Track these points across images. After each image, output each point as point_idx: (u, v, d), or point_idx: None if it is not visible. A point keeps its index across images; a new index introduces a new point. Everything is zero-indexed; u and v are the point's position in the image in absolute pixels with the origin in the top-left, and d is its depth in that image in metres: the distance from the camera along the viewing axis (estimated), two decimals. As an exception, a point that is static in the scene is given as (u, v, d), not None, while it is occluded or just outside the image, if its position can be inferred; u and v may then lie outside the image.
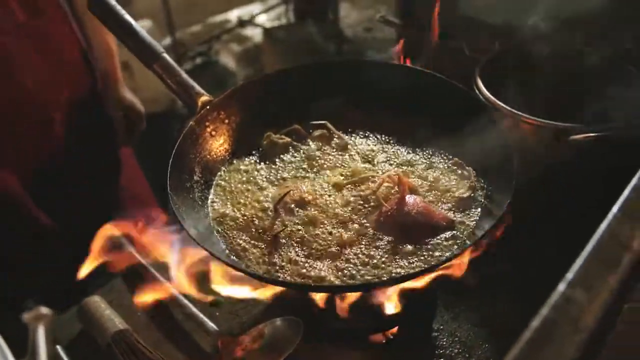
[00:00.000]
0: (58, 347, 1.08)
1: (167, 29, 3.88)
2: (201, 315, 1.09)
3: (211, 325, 1.07)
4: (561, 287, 0.50)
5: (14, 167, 1.47)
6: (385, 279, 0.86)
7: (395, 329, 1.07)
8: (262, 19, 4.69)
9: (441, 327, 1.08)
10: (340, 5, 4.25)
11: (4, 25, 1.38)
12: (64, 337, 1.13)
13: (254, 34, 4.43)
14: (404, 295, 1.00)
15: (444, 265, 0.86)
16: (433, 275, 0.92)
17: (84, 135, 1.59)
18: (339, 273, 0.88)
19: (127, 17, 1.09)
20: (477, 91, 1.20)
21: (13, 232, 1.51)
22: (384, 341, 1.06)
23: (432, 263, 0.87)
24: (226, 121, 1.13)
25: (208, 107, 1.09)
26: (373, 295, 0.99)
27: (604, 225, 0.56)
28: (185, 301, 1.12)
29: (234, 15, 4.70)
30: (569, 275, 0.51)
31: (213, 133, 1.11)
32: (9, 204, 1.47)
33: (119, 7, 1.10)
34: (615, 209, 0.59)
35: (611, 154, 1.09)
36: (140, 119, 1.84)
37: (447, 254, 0.88)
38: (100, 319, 1.09)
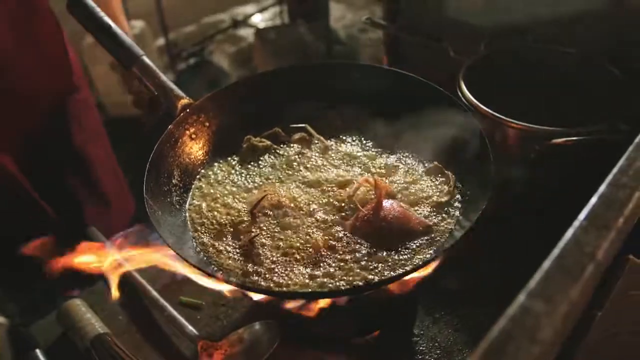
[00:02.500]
0: (37, 350, 1.07)
1: (161, 30, 3.87)
2: (181, 319, 1.08)
3: (191, 329, 1.06)
4: (521, 297, 0.49)
5: (9, 152, 1.48)
6: (360, 284, 0.85)
7: (375, 334, 1.06)
8: (257, 19, 4.68)
9: (421, 332, 1.07)
10: (334, 6, 4.23)
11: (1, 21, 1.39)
12: (43, 341, 1.12)
13: (248, 34, 4.42)
14: (384, 299, 0.99)
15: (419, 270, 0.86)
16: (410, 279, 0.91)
17: (62, 127, 1.61)
18: (315, 278, 0.88)
19: (106, 18, 1.09)
20: (460, 94, 1.19)
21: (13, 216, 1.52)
22: (363, 346, 1.06)
23: (408, 268, 0.86)
24: (206, 124, 1.12)
25: (188, 110, 1.08)
26: (351, 300, 0.98)
27: (569, 234, 0.55)
28: (166, 305, 1.12)
29: (227, 15, 4.69)
30: (531, 284, 0.50)
31: (193, 136, 1.10)
32: (10, 188, 1.48)
33: (98, 9, 1.10)
34: (581, 216, 0.58)
35: (593, 158, 1.08)
36: (155, 104, 1.84)
37: (423, 260, 0.88)
38: (80, 322, 1.08)
